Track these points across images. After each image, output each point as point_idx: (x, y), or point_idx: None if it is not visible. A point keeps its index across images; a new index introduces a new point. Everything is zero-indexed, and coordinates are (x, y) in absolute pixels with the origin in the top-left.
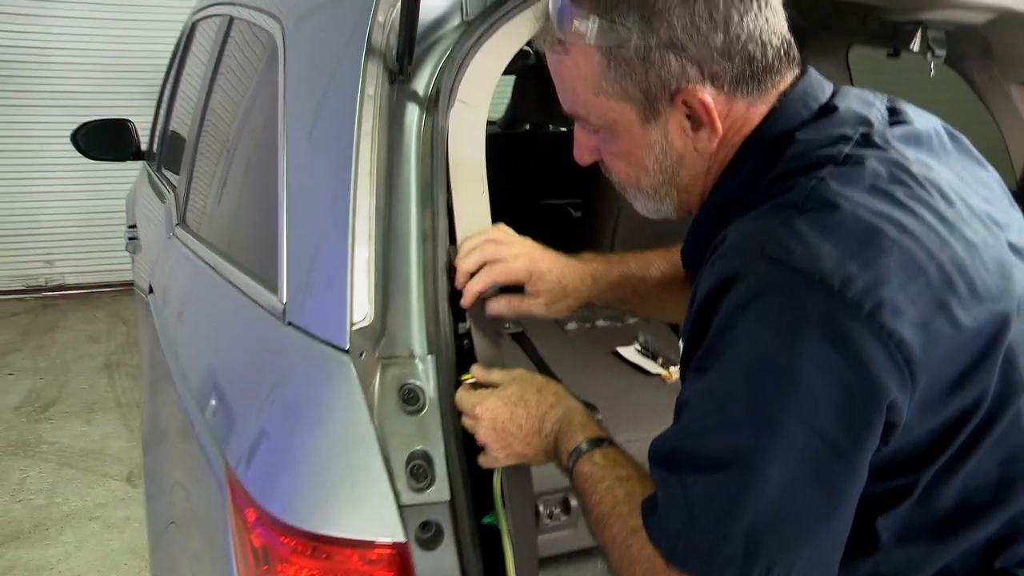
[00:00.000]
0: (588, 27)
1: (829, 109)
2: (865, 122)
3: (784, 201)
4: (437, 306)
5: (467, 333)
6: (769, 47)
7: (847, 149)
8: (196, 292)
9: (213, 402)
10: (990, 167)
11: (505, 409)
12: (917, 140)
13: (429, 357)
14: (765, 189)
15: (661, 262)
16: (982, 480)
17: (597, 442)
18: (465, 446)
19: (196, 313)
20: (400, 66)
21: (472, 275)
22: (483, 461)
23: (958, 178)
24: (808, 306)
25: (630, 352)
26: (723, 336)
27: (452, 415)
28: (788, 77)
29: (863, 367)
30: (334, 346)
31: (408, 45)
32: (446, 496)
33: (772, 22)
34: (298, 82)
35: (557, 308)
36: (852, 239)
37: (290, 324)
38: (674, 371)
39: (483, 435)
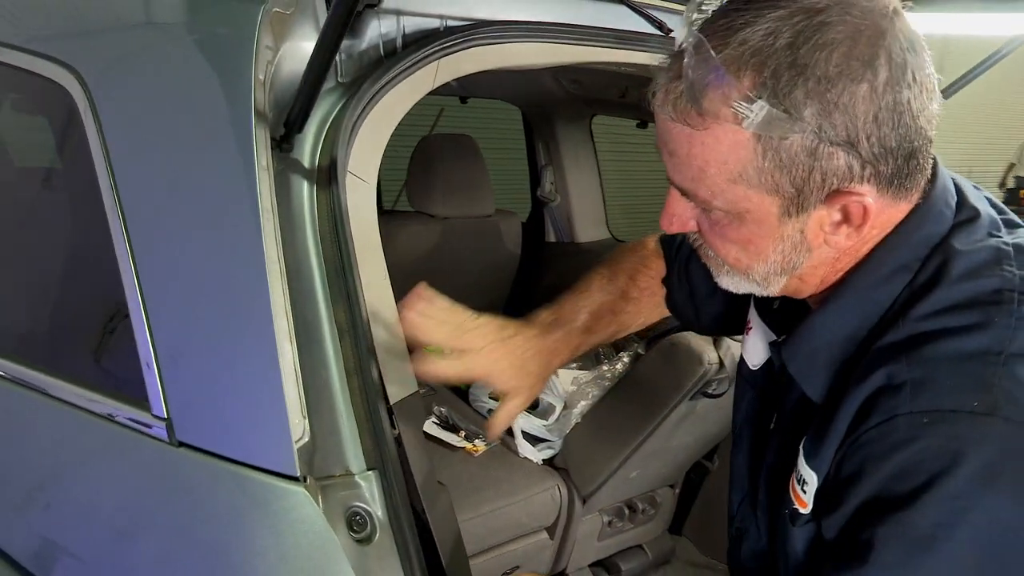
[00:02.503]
0: (752, 113)
1: (967, 208)
2: (997, 225)
3: (993, 344)
4: (370, 412)
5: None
6: (929, 142)
7: (1016, 270)
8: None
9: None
10: None
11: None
12: None
13: (370, 473)
14: (939, 312)
15: (604, 295)
16: None
17: None
18: (433, 573)
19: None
20: (287, 133)
21: None
22: None
23: None
24: None
25: (429, 426)
26: (958, 513)
27: (411, 538)
28: (930, 171)
29: None
30: (274, 472)
31: (305, 111)
32: None
33: (935, 112)
34: (139, 151)
35: (530, 398)
36: None
37: (183, 445)
38: (479, 444)
39: None
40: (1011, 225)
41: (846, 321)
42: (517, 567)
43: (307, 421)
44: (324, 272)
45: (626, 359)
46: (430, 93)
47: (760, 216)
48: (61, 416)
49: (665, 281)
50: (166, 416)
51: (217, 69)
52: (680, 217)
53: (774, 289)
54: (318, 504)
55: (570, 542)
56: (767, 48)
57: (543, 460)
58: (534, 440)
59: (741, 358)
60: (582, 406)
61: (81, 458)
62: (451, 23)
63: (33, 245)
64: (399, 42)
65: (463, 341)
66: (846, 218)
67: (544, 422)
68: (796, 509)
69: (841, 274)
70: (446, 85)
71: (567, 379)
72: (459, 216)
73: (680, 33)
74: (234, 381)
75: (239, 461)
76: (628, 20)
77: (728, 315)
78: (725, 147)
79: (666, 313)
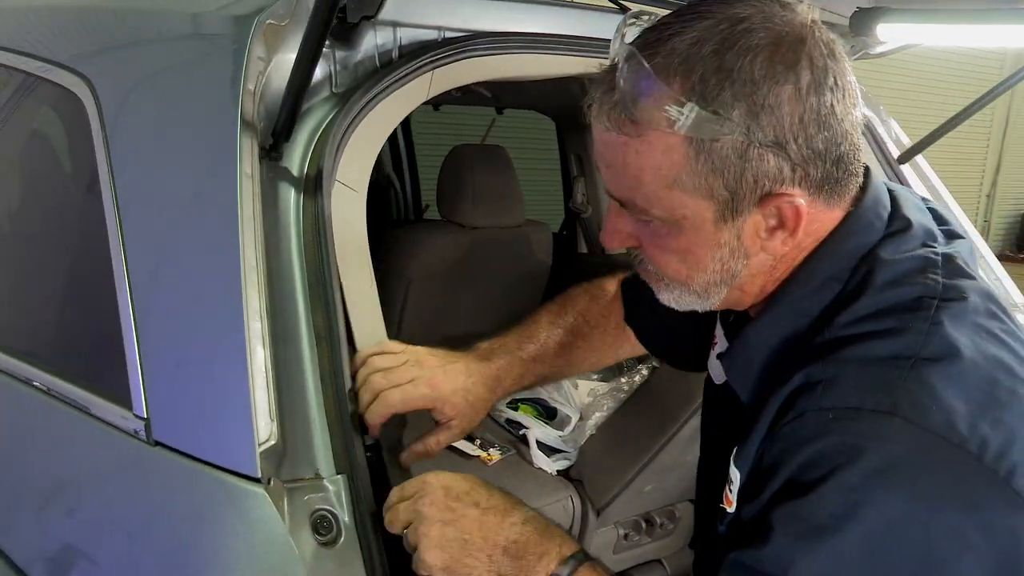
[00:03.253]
0: (682, 115)
1: (899, 219)
2: (932, 236)
3: (903, 347)
4: (342, 418)
5: (373, 446)
6: (857, 148)
7: (941, 279)
8: None
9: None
10: None
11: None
12: (970, 252)
13: (339, 478)
14: (861, 319)
15: (553, 329)
16: None
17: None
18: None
19: None
20: (275, 142)
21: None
22: None
23: None
24: (945, 474)
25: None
26: (851, 506)
27: (375, 543)
28: (861, 178)
29: (1007, 545)
30: (237, 473)
31: (290, 121)
32: None
33: (858, 118)
34: (137, 158)
35: (471, 425)
36: (976, 392)
37: (159, 444)
38: (494, 453)
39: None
40: (951, 236)
41: (779, 330)
42: None
43: (276, 424)
44: (305, 278)
45: (644, 371)
46: (466, 103)
47: (697, 223)
48: (53, 412)
49: (629, 321)
50: (146, 416)
51: (209, 79)
52: (621, 232)
53: (715, 301)
54: (280, 505)
55: None
56: (695, 55)
57: (557, 471)
58: (549, 451)
59: (707, 375)
60: (597, 417)
61: (68, 454)
62: (449, 34)
63: (40, 244)
64: (395, 53)
65: (406, 371)
66: (781, 222)
67: (560, 433)
68: (723, 508)
69: (778, 284)
70: (480, 96)
71: (584, 390)
72: (489, 226)
73: (613, 48)
74: (206, 383)
75: (206, 461)
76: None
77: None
78: (659, 152)
79: (624, 356)
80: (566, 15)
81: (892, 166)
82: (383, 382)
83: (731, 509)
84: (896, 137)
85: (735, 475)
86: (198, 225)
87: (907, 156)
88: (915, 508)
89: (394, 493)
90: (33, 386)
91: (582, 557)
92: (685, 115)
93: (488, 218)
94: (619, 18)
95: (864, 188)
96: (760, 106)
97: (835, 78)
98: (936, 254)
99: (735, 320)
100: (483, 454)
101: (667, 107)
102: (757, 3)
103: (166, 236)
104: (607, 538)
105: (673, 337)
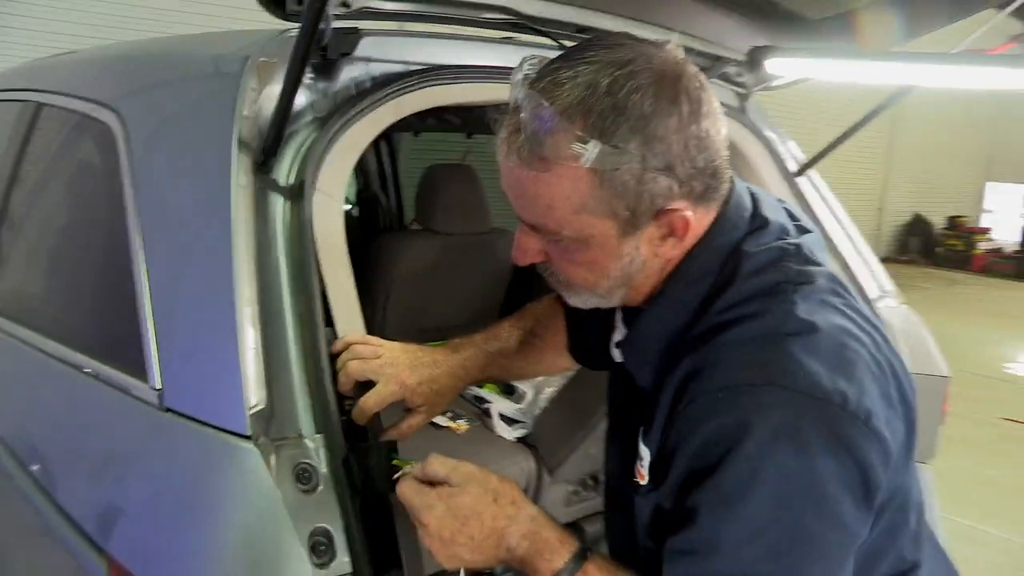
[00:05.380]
0: (586, 151)
1: (759, 218)
2: (786, 231)
3: (768, 327)
4: (320, 386)
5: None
6: (725, 159)
7: (795, 266)
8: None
9: (80, 501)
10: None
11: (455, 521)
12: (817, 242)
13: (318, 436)
14: (732, 306)
15: (513, 330)
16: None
17: (580, 556)
18: (363, 518)
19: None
20: (265, 158)
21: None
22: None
23: None
24: (819, 424)
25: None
26: (753, 472)
27: (348, 491)
28: (728, 184)
29: (869, 467)
30: (232, 432)
31: (276, 140)
32: (348, 569)
33: (725, 134)
34: (154, 173)
35: (438, 410)
36: (830, 356)
37: (169, 410)
38: (462, 424)
39: (428, 542)
40: (802, 230)
41: (665, 320)
42: None
43: (265, 391)
44: (290, 270)
45: None
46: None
47: (602, 239)
48: (81, 385)
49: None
50: (160, 387)
51: (212, 108)
52: (531, 250)
53: (616, 300)
54: (268, 459)
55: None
56: (591, 96)
57: (516, 438)
58: (509, 421)
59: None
60: (549, 392)
61: (91, 420)
62: (413, 67)
63: (76, 247)
64: (369, 84)
65: (380, 366)
66: (672, 231)
67: (518, 406)
68: (637, 482)
69: (665, 280)
70: (451, 123)
71: None
72: (459, 232)
73: (512, 91)
74: (206, 357)
75: (207, 423)
76: None
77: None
78: (567, 184)
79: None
80: (510, 51)
81: (789, 178)
82: (358, 369)
83: (644, 482)
84: (793, 155)
85: (645, 452)
86: (202, 228)
87: (802, 170)
88: (803, 458)
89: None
90: (76, 368)
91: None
92: (589, 150)
93: (458, 225)
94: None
95: (729, 192)
96: (652, 137)
97: (707, 106)
98: (789, 245)
99: (631, 312)
100: (453, 425)
101: (572, 144)
102: (634, 45)
103: (177, 238)
104: (559, 494)
105: (585, 341)
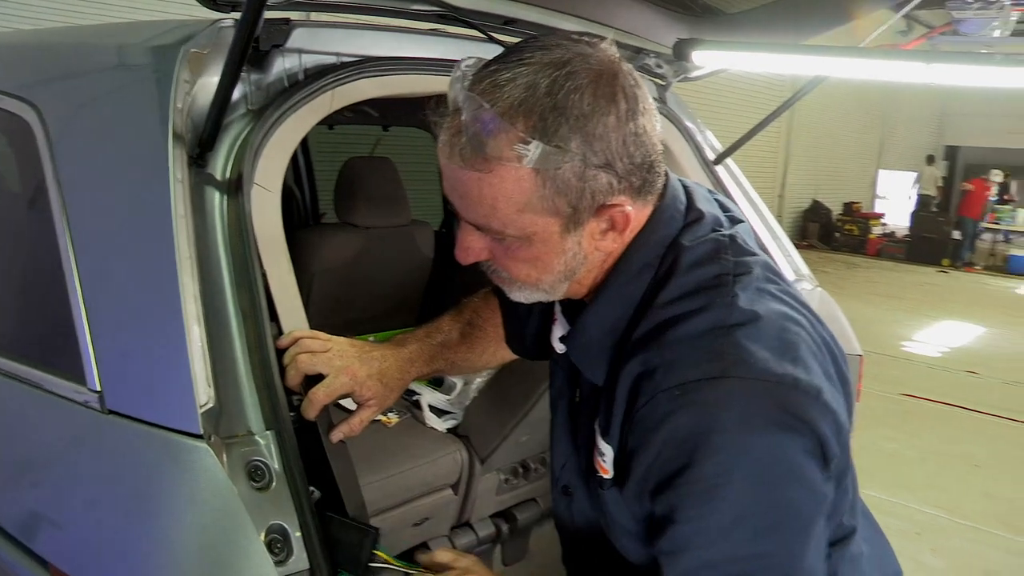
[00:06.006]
0: (529, 152)
1: (694, 211)
2: (719, 222)
3: (715, 320)
4: (269, 383)
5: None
6: (660, 153)
7: (732, 257)
8: None
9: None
10: None
11: None
12: (748, 232)
13: (268, 433)
14: (676, 300)
15: (454, 323)
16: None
17: None
18: (317, 513)
19: None
20: (201, 152)
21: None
22: None
23: None
24: (777, 406)
25: (348, 403)
26: (726, 462)
27: (302, 485)
28: (664, 177)
29: (825, 438)
30: (183, 432)
31: (214, 133)
32: (305, 566)
33: (659, 129)
34: (80, 170)
35: (387, 403)
36: (775, 341)
37: (112, 412)
38: (393, 416)
39: None
40: (734, 220)
41: (609, 314)
42: (427, 519)
43: (213, 389)
44: (231, 266)
45: None
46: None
47: (545, 236)
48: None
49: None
50: (99, 389)
51: (144, 100)
52: (473, 248)
53: (558, 294)
54: (220, 457)
55: (472, 497)
56: (531, 98)
57: (447, 429)
58: (439, 412)
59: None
60: (478, 382)
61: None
62: (346, 59)
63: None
64: (301, 75)
65: (329, 359)
66: (612, 225)
67: (448, 397)
68: (601, 477)
69: (606, 273)
70: (369, 115)
71: None
72: (379, 225)
73: (452, 94)
74: (152, 357)
75: (155, 423)
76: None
77: (542, 333)
78: (510, 184)
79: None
80: (441, 43)
81: (709, 166)
82: (308, 363)
83: (608, 476)
84: (711, 144)
85: (606, 448)
86: (139, 223)
87: (720, 159)
88: (769, 438)
89: None
90: (5, 375)
91: None
92: (531, 151)
93: (378, 219)
94: (485, 45)
95: (665, 186)
96: (592, 135)
97: (643, 103)
98: (724, 236)
99: (572, 305)
100: (384, 418)
101: (514, 146)
102: (570, 46)
103: (110, 236)
104: (491, 483)
105: (523, 331)
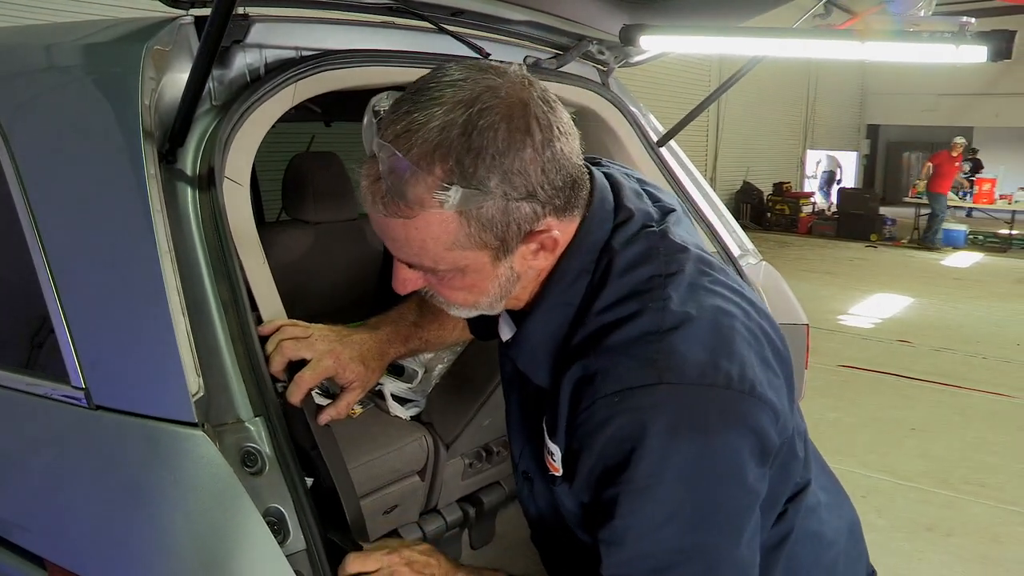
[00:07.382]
0: (449, 197)
1: (623, 210)
2: (650, 217)
3: (649, 326)
4: (254, 370)
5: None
6: (582, 166)
7: (663, 255)
8: None
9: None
10: None
11: None
12: (679, 221)
13: (257, 419)
14: (610, 306)
15: (423, 303)
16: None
17: None
18: (312, 495)
19: None
20: (171, 147)
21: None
22: None
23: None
24: (712, 408)
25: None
26: (659, 461)
27: (295, 468)
28: (588, 185)
29: (763, 432)
30: (178, 421)
31: (184, 129)
32: (301, 547)
33: (578, 144)
34: (47, 167)
35: (370, 385)
36: (709, 339)
37: (100, 408)
38: (357, 407)
39: None
40: (665, 212)
41: (549, 322)
42: (396, 506)
43: (201, 379)
44: (208, 258)
45: None
46: (299, 120)
47: (478, 266)
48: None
49: None
50: (84, 386)
51: (111, 98)
52: (411, 281)
53: (498, 309)
54: (215, 445)
55: (438, 482)
56: (446, 141)
57: (411, 417)
58: (402, 401)
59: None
60: (439, 369)
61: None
62: (305, 53)
63: None
64: (262, 70)
65: (312, 344)
66: (542, 247)
67: (409, 385)
68: (552, 474)
69: (543, 284)
70: (313, 112)
71: None
72: (329, 220)
73: (365, 137)
74: (140, 349)
75: (148, 415)
76: (454, 47)
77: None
78: (436, 227)
79: None
80: (398, 34)
81: (653, 148)
82: (293, 348)
83: (559, 474)
84: (654, 127)
85: (554, 448)
86: (115, 221)
87: (663, 141)
88: (703, 441)
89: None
90: None
91: None
92: (452, 196)
93: (327, 214)
94: (437, 36)
95: (591, 193)
96: (510, 171)
97: (557, 127)
98: (654, 233)
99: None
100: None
101: (435, 193)
102: (480, 79)
103: (84, 236)
104: (456, 468)
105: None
